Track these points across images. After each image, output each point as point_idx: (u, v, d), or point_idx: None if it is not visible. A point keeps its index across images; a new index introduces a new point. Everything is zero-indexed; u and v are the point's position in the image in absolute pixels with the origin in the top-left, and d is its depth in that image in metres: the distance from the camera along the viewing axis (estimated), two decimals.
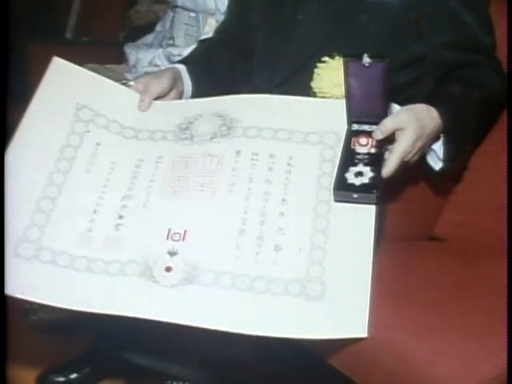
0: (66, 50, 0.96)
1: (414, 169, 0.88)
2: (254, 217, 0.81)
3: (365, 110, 0.83)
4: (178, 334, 0.74)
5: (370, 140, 0.83)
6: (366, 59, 0.78)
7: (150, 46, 1.50)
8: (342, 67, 0.80)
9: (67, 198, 0.82)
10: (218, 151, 0.87)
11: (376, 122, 0.83)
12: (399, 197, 0.98)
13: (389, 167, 0.81)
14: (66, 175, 0.83)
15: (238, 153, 0.87)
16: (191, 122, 0.91)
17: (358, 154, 0.82)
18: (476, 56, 0.92)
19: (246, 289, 0.75)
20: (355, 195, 0.78)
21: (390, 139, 0.83)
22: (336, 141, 0.86)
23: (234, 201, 0.83)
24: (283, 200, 0.82)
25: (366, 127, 0.84)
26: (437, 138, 0.87)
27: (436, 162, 0.90)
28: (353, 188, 0.78)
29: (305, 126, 0.87)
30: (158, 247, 0.79)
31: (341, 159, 0.82)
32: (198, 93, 0.99)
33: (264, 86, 1.01)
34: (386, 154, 0.82)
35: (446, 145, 0.87)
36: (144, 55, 1.45)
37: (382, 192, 0.78)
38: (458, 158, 0.90)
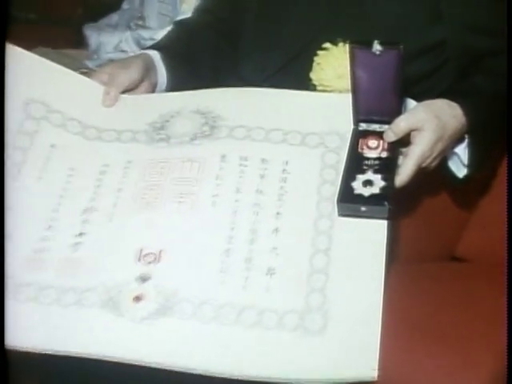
0: (8, 28, 0.91)
1: (434, 177, 0.89)
2: (242, 234, 0.82)
3: (374, 106, 0.84)
4: (149, 378, 0.74)
5: (381, 142, 0.84)
6: (377, 46, 0.79)
7: (115, 27, 1.50)
8: (348, 55, 0.81)
9: (15, 210, 0.81)
10: (199, 155, 0.88)
11: (388, 120, 0.84)
12: (416, 210, 1.00)
13: (403, 175, 0.82)
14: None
15: (223, 157, 0.87)
16: (167, 121, 0.91)
17: (367, 158, 0.83)
18: (506, 42, 0.92)
19: (231, 322, 0.76)
20: (363, 208, 0.79)
21: (404, 141, 0.84)
22: (340, 143, 0.87)
23: (218, 215, 0.83)
24: (277, 214, 0.83)
25: (375, 127, 0.85)
26: (460, 140, 0.89)
27: (459, 168, 0.92)
28: (360, 200, 0.79)
29: (303, 126, 0.89)
30: (125, 272, 0.79)
31: (346, 165, 0.83)
32: (175, 85, 0.99)
33: (253, 77, 1.01)
34: (400, 159, 0.84)
35: (472, 147, 0.89)
36: (108, 39, 1.45)
37: (396, 204, 0.79)
38: (485, 163, 0.92)
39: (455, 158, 0.92)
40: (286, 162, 0.86)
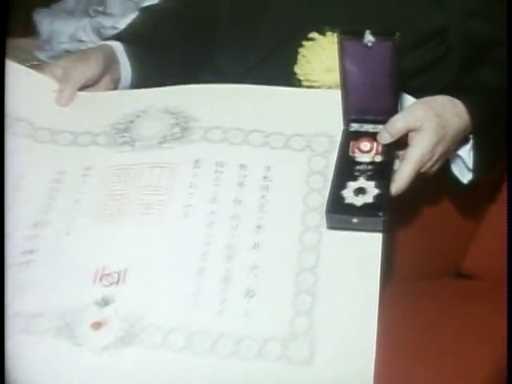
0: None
1: (435, 183, 0.90)
2: (218, 251, 0.83)
3: (367, 104, 0.86)
4: None
5: (375, 145, 0.85)
6: (369, 37, 0.80)
7: (70, 13, 1.48)
8: (337, 47, 0.82)
9: None
10: (169, 160, 0.89)
11: (382, 120, 0.86)
12: (415, 221, 1.01)
13: (400, 181, 0.83)
14: None
15: (196, 163, 0.89)
16: (131, 121, 0.93)
17: (359, 163, 0.84)
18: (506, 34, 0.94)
19: (205, 351, 0.76)
20: (355, 220, 0.80)
21: (401, 143, 0.85)
22: (328, 146, 0.88)
23: (190, 228, 0.84)
24: (258, 227, 0.84)
25: (368, 127, 0.87)
26: (464, 141, 0.90)
27: (464, 172, 0.93)
28: (352, 210, 0.80)
29: (286, 127, 0.90)
30: (83, 294, 0.79)
31: (335, 171, 0.84)
32: (141, 80, 1.00)
33: (231, 71, 1.02)
34: (397, 164, 0.85)
35: (477, 149, 0.90)
36: (62, 26, 1.43)
37: (392, 215, 0.80)
38: (492, 166, 0.93)
39: (459, 161, 0.93)
40: (268, 168, 0.88)
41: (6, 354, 0.73)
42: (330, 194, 0.82)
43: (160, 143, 0.90)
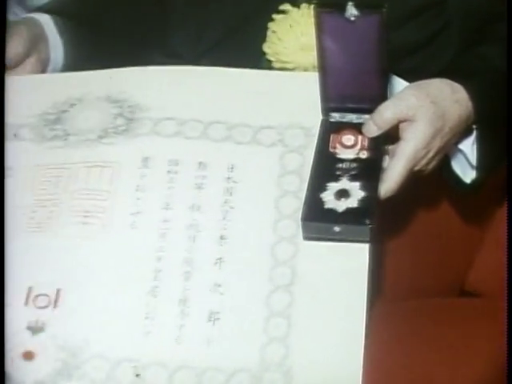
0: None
1: (432, 183, 0.92)
2: (173, 266, 0.84)
3: (350, 89, 0.87)
4: None
5: (360, 138, 0.87)
6: (352, 9, 0.81)
7: None
8: (314, 21, 0.83)
9: None
10: (111, 159, 0.89)
11: (368, 108, 0.87)
12: (408, 229, 1.02)
13: (390, 182, 0.84)
14: None
15: (144, 161, 0.89)
16: (64, 111, 0.93)
17: (341, 160, 0.85)
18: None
19: None
20: (337, 228, 0.80)
21: (391, 136, 0.87)
22: (304, 140, 0.89)
23: (139, 240, 0.85)
24: (221, 238, 0.85)
25: (352, 117, 0.88)
26: (466, 133, 0.92)
27: (466, 170, 0.95)
28: (333, 217, 0.81)
29: (254, 117, 0.91)
30: (10, 319, 0.79)
31: (313, 170, 0.85)
32: (75, 62, 1.00)
33: (186, 51, 1.03)
34: (386, 161, 0.86)
35: (482, 143, 0.92)
36: None
37: (381, 222, 0.80)
38: (499, 162, 0.95)
39: (460, 157, 0.94)
40: (232, 167, 0.89)
41: None
42: (306, 197, 0.83)
43: (100, 138, 0.90)
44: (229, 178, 0.88)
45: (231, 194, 0.87)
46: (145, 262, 0.84)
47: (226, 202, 0.87)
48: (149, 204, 0.87)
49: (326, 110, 0.89)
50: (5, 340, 0.77)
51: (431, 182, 0.92)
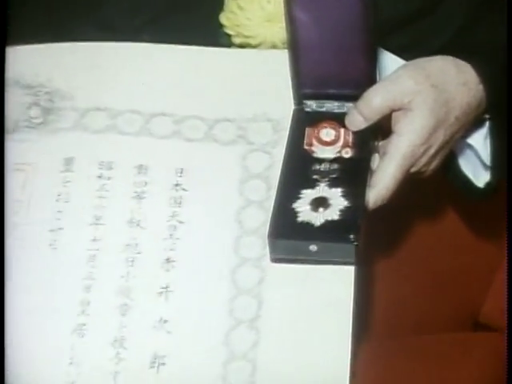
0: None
1: (435, 189, 0.93)
2: (105, 298, 0.82)
3: (329, 70, 0.86)
4: None
5: (342, 132, 0.86)
6: None
7: None
8: None
9: None
10: (23, 159, 0.87)
11: (352, 94, 0.86)
12: (406, 248, 1.02)
13: (381, 187, 0.83)
14: None
15: (68, 163, 0.88)
16: None
17: (319, 161, 0.84)
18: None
19: None
20: (314, 247, 0.79)
21: (381, 130, 0.86)
22: (272, 136, 0.88)
23: (61, 265, 0.84)
24: (167, 261, 0.84)
25: (332, 106, 0.87)
26: (477, 124, 0.91)
27: (478, 171, 0.94)
28: (309, 232, 0.79)
29: (208, 108, 0.90)
30: None
31: (283, 174, 0.84)
32: None
33: (122, 24, 0.99)
34: (375, 161, 0.85)
35: (497, 136, 0.91)
36: None
37: (370, 239, 0.80)
38: None
39: (470, 154, 0.93)
40: (181, 171, 0.88)
41: None
42: (275, 208, 0.82)
43: (8, 133, 0.88)
44: (177, 184, 0.87)
45: (180, 204, 0.86)
46: (68, 291, 0.83)
47: (173, 216, 0.86)
48: (73, 218, 0.85)
49: (300, 98, 0.88)
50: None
51: (433, 187, 0.93)
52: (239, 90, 0.90)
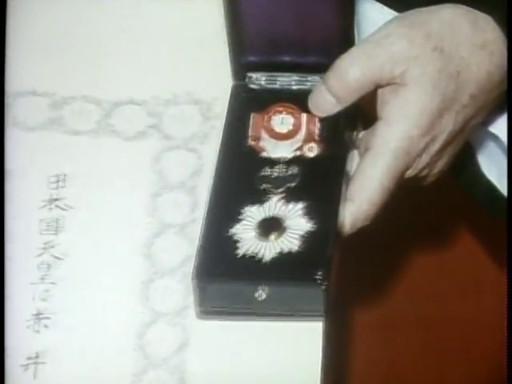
0: None
1: (440, 203, 0.97)
2: None
3: (283, 28, 0.82)
4: None
5: (304, 120, 0.82)
6: None
7: None
8: None
9: None
10: None
11: (318, 63, 0.83)
12: (401, 291, 1.02)
13: (362, 201, 0.80)
14: None
15: None
16: None
17: (270, 162, 0.81)
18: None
19: None
20: (261, 293, 0.74)
21: (360, 115, 0.84)
22: (200, 125, 0.86)
23: None
24: (38, 319, 0.80)
25: (288, 81, 0.84)
26: (503, 107, 0.88)
27: (505, 172, 0.91)
28: (254, 270, 0.75)
29: (102, 84, 0.88)
30: None
31: (216, 183, 0.81)
32: None
33: None
34: (353, 162, 0.82)
35: None
36: None
37: (343, 279, 0.77)
38: None
39: (495, 149, 0.91)
40: (57, 180, 0.85)
41: None
42: (204, 235, 0.78)
43: None
44: (51, 199, 0.84)
45: (56, 231, 0.82)
46: None
47: (45, 248, 0.82)
48: None
49: (242, 69, 0.85)
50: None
51: (439, 199, 0.95)
52: (150, 57, 0.88)
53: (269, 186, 0.78)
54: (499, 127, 0.89)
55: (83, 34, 0.93)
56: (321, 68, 0.81)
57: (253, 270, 0.74)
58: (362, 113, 0.83)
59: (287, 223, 0.76)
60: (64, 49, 0.92)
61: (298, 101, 0.82)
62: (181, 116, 0.86)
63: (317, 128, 0.81)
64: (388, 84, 0.80)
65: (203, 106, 0.86)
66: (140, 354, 0.79)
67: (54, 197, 0.84)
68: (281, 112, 0.82)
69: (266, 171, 0.79)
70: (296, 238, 0.75)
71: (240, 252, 0.75)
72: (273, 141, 0.81)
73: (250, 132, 0.81)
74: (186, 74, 0.88)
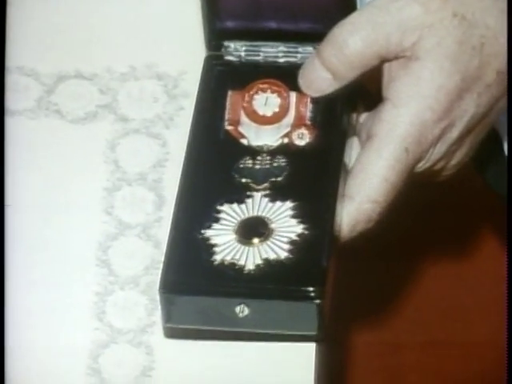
0: None
1: (461, 203, 0.97)
2: None
3: None
4: None
5: (294, 100, 0.89)
6: None
7: None
8: None
9: None
10: None
11: (309, 32, 0.90)
12: (412, 308, 1.06)
13: (363, 199, 0.86)
14: None
15: None
16: None
17: (251, 152, 0.88)
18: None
19: None
20: (242, 308, 0.81)
21: (362, 95, 0.91)
22: (165, 105, 0.95)
23: None
24: None
25: (273, 52, 0.92)
26: None
27: None
28: (233, 282, 0.82)
29: (42, 55, 0.96)
30: None
31: (185, 176, 0.87)
32: None
33: None
34: (352, 152, 0.89)
35: None
36: None
37: (341, 294, 0.83)
38: None
39: None
40: None
41: None
42: (172, 239, 0.84)
43: None
44: None
45: None
46: None
47: None
48: None
49: (217, 37, 0.91)
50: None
51: (460, 199, 0.95)
52: (102, 21, 0.96)
53: (250, 180, 0.85)
54: None
55: None
56: (314, 37, 0.88)
57: (232, 280, 0.81)
58: (363, 92, 0.90)
59: (273, 225, 0.82)
60: None
61: (286, 77, 0.88)
62: (140, 94, 0.95)
63: (308, 110, 0.88)
64: (396, 58, 0.86)
65: (168, 82, 0.94)
66: (95, 379, 0.85)
67: None
68: (264, 90, 0.89)
69: (247, 162, 0.86)
70: (284, 243, 0.81)
71: (217, 258, 0.81)
72: (254, 125, 0.87)
73: (227, 114, 0.88)
74: (147, 41, 0.96)
